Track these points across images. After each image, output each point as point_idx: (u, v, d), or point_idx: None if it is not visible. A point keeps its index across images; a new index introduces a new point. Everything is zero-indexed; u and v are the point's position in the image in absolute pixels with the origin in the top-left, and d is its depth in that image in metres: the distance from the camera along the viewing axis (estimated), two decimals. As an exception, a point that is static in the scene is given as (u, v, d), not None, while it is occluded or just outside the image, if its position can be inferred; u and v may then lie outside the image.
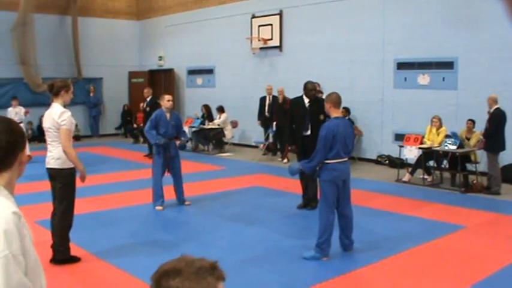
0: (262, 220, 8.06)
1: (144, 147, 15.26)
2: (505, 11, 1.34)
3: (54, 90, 5.95)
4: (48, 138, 5.96)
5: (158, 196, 8.69)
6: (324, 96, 13.52)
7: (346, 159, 6.19)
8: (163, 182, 8.83)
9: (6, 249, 1.77)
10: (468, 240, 7.07)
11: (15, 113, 14.22)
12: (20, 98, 17.64)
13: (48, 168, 5.97)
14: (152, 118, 8.90)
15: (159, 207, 8.62)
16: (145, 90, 15.12)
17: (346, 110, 13.48)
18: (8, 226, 1.82)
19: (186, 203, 8.94)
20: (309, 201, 8.86)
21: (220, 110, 15.95)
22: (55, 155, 5.87)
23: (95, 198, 9.53)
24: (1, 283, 1.73)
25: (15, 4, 17.65)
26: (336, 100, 6.30)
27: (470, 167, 10.66)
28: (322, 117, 8.54)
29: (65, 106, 6.03)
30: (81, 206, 8.59)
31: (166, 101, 8.91)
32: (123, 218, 8.14)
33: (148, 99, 14.84)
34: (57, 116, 5.77)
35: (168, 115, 8.88)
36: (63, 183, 5.92)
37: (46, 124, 5.95)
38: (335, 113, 6.27)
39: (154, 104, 14.78)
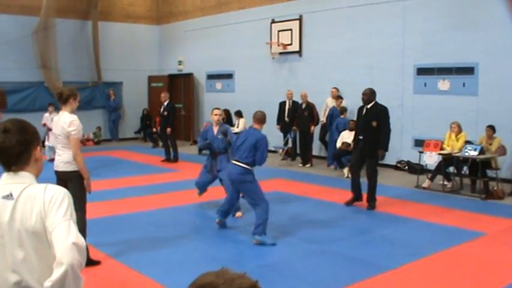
0: (283, 226, 8.08)
1: (162, 152, 15.33)
2: (507, 10, 1.39)
3: (63, 98, 6.12)
4: (58, 144, 6.15)
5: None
6: (343, 102, 13.71)
7: (239, 163, 7.10)
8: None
9: (70, 217, 2.20)
10: (489, 247, 7.04)
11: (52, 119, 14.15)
12: (40, 102, 17.93)
13: (57, 172, 6.14)
14: (201, 131, 9.05)
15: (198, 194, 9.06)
16: (162, 95, 15.21)
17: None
18: (70, 199, 2.25)
19: (237, 215, 8.59)
20: (359, 197, 9.29)
21: (239, 114, 15.99)
22: (65, 158, 6.06)
23: (114, 202, 9.60)
24: (74, 233, 2.14)
25: (36, 9, 17.88)
26: (259, 117, 7.34)
27: (490, 173, 10.59)
28: (374, 123, 8.86)
29: (72, 112, 6.18)
30: (101, 209, 8.71)
31: (213, 115, 8.90)
32: (142, 222, 8.20)
33: (165, 103, 14.94)
34: (67, 125, 5.96)
35: (215, 129, 8.83)
36: (75, 185, 6.05)
37: (56, 131, 6.15)
38: (256, 126, 7.30)
39: (172, 109, 14.92)
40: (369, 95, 9.18)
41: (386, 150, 9.20)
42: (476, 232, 7.67)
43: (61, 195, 2.22)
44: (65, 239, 2.10)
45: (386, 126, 9.07)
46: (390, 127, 9.21)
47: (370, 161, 9.23)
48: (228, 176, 7.38)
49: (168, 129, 14.70)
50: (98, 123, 20.24)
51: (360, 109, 9.40)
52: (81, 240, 2.15)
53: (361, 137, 9.24)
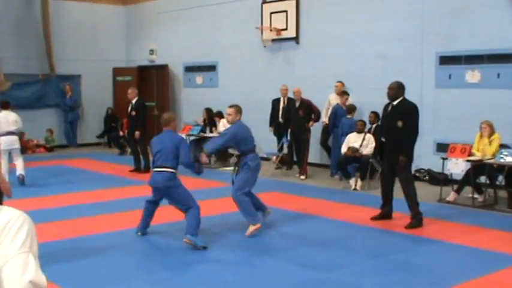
0: (276, 248, 8.02)
1: (131, 160, 15.22)
2: None
3: None
4: None
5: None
6: (350, 99, 13.67)
7: (162, 169, 8.16)
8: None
9: (29, 249, 2.02)
10: (530, 274, 6.97)
11: None
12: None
13: None
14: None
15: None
16: (129, 91, 15.14)
17: (376, 115, 13.41)
18: (31, 227, 2.08)
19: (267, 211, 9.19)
20: (386, 213, 9.39)
21: (219, 116, 15.93)
22: None
23: (70, 221, 9.47)
24: (32, 269, 1.97)
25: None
26: (163, 121, 8.51)
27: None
28: (400, 123, 8.95)
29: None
30: (55, 231, 8.57)
31: (227, 114, 9.21)
32: (105, 246, 8.07)
33: (133, 101, 14.88)
34: None
35: None
36: None
37: None
38: (168, 128, 8.49)
39: (141, 108, 14.83)
40: (396, 89, 9.23)
41: (409, 157, 9.17)
42: (514, 256, 7.61)
43: (19, 221, 2.05)
44: (20, 277, 1.94)
45: (411, 127, 9.07)
46: (418, 129, 9.21)
47: (398, 170, 9.23)
48: (154, 185, 8.32)
49: (137, 133, 14.60)
50: (50, 126, 20.06)
51: (386, 107, 9.45)
52: (41, 278, 1.99)
53: (383, 140, 9.38)
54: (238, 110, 8.93)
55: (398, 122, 9.03)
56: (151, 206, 8.63)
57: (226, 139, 8.83)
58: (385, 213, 9.45)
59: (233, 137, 8.78)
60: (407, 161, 9.15)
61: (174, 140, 8.25)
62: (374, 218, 9.47)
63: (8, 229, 2.01)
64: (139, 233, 8.55)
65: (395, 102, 9.22)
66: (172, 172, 8.14)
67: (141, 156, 14.77)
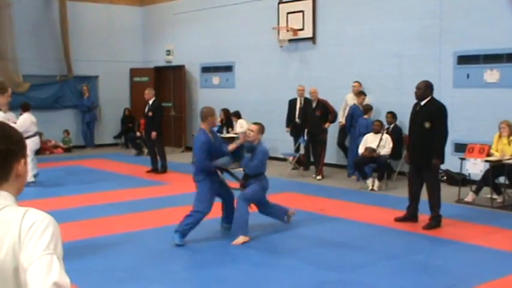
0: (293, 249, 8.00)
1: (148, 160, 15.27)
2: None
3: None
4: None
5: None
6: (367, 99, 13.63)
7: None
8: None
9: (53, 251, 2.04)
10: (550, 276, 6.91)
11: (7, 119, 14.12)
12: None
13: None
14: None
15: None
16: (146, 92, 15.20)
17: (393, 116, 13.37)
18: (56, 229, 2.09)
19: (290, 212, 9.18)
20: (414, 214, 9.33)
21: (236, 115, 15.92)
22: None
23: (88, 221, 9.52)
24: (57, 271, 1.98)
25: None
26: (200, 116, 8.70)
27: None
28: (427, 124, 8.88)
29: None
30: (73, 231, 8.61)
31: (249, 130, 9.13)
32: (122, 246, 8.12)
33: (150, 102, 14.93)
34: None
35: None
36: None
37: None
38: (201, 126, 8.65)
39: (158, 109, 14.86)
40: (423, 89, 9.11)
41: (442, 159, 9.13)
42: (533, 257, 7.54)
43: (44, 223, 2.06)
44: (44, 278, 1.95)
45: (441, 128, 9.01)
46: (447, 130, 9.15)
47: (425, 172, 9.16)
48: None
49: (153, 134, 14.64)
50: (68, 126, 20.16)
51: (415, 106, 9.37)
52: (65, 279, 2.00)
53: (411, 140, 9.39)
54: (261, 129, 8.88)
55: (426, 122, 8.94)
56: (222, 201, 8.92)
57: (261, 160, 8.71)
58: (411, 215, 9.40)
59: (264, 159, 8.80)
60: (440, 163, 9.10)
61: (196, 144, 8.47)
62: (398, 219, 9.42)
63: (33, 231, 2.03)
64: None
65: (423, 102, 9.11)
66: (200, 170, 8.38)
67: (158, 157, 14.81)
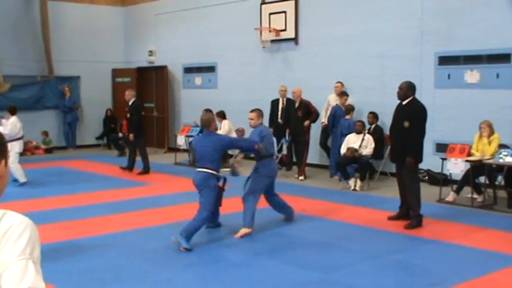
0: (275, 249, 8.01)
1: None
2: None
3: None
4: None
5: None
6: (349, 100, 13.67)
7: (200, 169, 8.37)
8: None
9: (29, 255, 1.99)
10: (529, 274, 6.98)
11: None
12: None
13: None
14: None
15: None
16: (127, 93, 15.21)
17: (374, 116, 13.43)
18: (33, 232, 2.05)
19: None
20: (407, 213, 9.39)
21: (221, 116, 15.91)
22: None
23: (70, 223, 9.48)
24: (31, 277, 1.92)
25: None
26: (203, 123, 8.71)
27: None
28: (406, 124, 9.04)
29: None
30: (55, 233, 8.58)
31: (249, 119, 9.33)
32: (105, 248, 8.08)
33: (130, 103, 14.92)
34: None
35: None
36: None
37: None
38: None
39: (135, 109, 14.83)
40: (406, 89, 9.26)
41: (416, 158, 9.21)
42: (513, 256, 7.62)
43: (21, 227, 2.02)
44: (18, 285, 1.90)
45: (417, 128, 9.11)
46: (424, 131, 9.24)
47: (403, 170, 9.31)
48: (193, 182, 8.50)
49: (131, 135, 14.64)
50: (49, 127, 20.02)
51: (397, 107, 9.51)
52: (39, 286, 1.95)
53: (392, 140, 9.61)
54: (260, 113, 9.19)
55: (405, 122, 9.08)
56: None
57: (258, 140, 8.89)
58: (403, 214, 9.49)
59: (262, 138, 8.96)
60: (414, 162, 9.19)
61: (216, 144, 8.39)
62: (391, 218, 9.55)
63: (9, 235, 1.99)
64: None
65: (404, 102, 9.26)
66: (207, 173, 8.27)
67: (142, 159, 14.72)
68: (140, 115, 15.02)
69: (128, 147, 15.91)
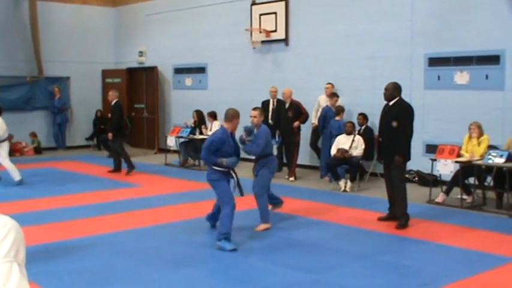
0: (265, 250, 8.01)
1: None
2: None
3: None
4: None
5: None
6: (339, 101, 13.69)
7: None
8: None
9: (13, 258, 1.96)
10: (518, 275, 7.01)
11: None
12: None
13: None
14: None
15: None
16: (110, 93, 15.35)
17: (364, 117, 13.44)
18: (18, 234, 2.01)
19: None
20: (395, 215, 9.45)
21: (212, 116, 15.89)
22: None
23: (59, 224, 9.44)
24: (15, 280, 1.90)
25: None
26: (226, 115, 8.53)
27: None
28: (395, 124, 9.17)
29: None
30: (44, 234, 8.55)
31: (252, 116, 9.37)
32: (94, 249, 8.05)
33: (113, 103, 15.05)
34: None
35: (255, 131, 9.40)
36: None
37: None
38: (224, 125, 8.53)
39: (117, 109, 14.94)
40: (392, 90, 9.38)
41: (404, 157, 9.29)
42: (503, 257, 7.62)
43: (5, 229, 1.98)
44: (1, 287, 1.88)
45: (406, 127, 9.21)
46: (412, 130, 9.33)
47: (391, 170, 9.39)
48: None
49: (109, 135, 14.93)
50: (39, 128, 19.95)
51: (384, 107, 9.60)
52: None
53: (380, 140, 9.63)
54: (262, 112, 9.42)
55: (393, 122, 9.18)
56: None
57: (265, 141, 9.17)
58: (393, 215, 9.51)
59: (267, 139, 9.23)
60: (402, 160, 9.27)
61: (209, 137, 8.54)
62: (381, 219, 9.60)
63: None
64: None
65: (391, 103, 9.35)
66: (211, 168, 8.38)
67: (123, 158, 14.90)
68: (120, 115, 15.11)
69: (106, 149, 15.83)
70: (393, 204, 9.52)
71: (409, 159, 9.43)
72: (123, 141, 15.37)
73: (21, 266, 1.97)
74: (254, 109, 9.42)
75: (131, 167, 14.70)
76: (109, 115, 14.97)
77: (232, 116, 8.46)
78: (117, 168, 14.96)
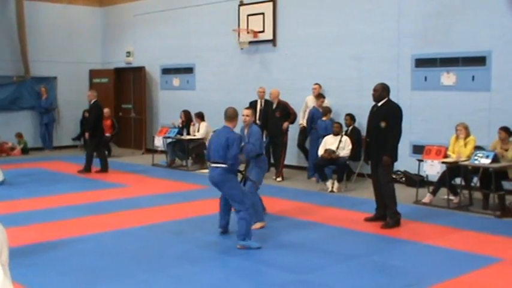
0: (251, 251, 7.97)
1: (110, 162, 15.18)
2: None
3: None
4: None
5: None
6: (326, 101, 13.70)
7: (216, 164, 8.09)
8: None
9: None
10: (505, 275, 7.01)
11: None
12: None
13: None
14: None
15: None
16: (89, 93, 15.70)
17: (351, 118, 13.45)
18: (1, 235, 2.10)
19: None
20: (383, 214, 9.46)
21: (200, 117, 15.87)
22: None
23: (48, 224, 9.40)
24: None
25: None
26: (229, 114, 8.40)
27: (507, 185, 10.62)
28: (383, 124, 9.22)
29: None
30: (31, 234, 8.50)
31: (245, 115, 9.25)
32: (81, 249, 8.01)
33: (91, 102, 15.23)
34: None
35: (245, 131, 9.27)
36: None
37: None
38: (226, 124, 8.37)
39: (94, 109, 15.00)
40: (380, 91, 9.41)
41: (393, 157, 9.33)
42: (489, 257, 7.64)
43: None
44: None
45: (395, 128, 9.26)
46: (401, 130, 9.37)
47: (379, 169, 9.43)
48: (210, 180, 8.29)
49: (86, 134, 15.21)
50: (26, 128, 19.85)
51: (372, 108, 9.64)
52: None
53: (368, 140, 9.66)
54: (253, 112, 9.50)
55: (382, 122, 9.22)
56: (224, 201, 8.69)
57: (260, 139, 9.19)
58: (379, 215, 9.54)
59: (260, 136, 9.23)
60: (391, 161, 9.30)
61: (228, 138, 8.10)
62: (368, 219, 9.61)
63: None
64: (220, 230, 8.79)
65: (379, 104, 9.39)
66: (223, 167, 8.07)
67: (98, 157, 15.13)
68: (97, 115, 15.16)
69: (87, 150, 15.75)
70: (380, 205, 9.54)
71: (396, 159, 9.46)
72: (100, 141, 15.35)
73: (5, 266, 1.96)
74: (246, 108, 9.41)
75: (88, 169, 14.92)
76: (85, 114, 15.05)
77: (234, 115, 8.40)
78: (104, 168, 14.93)
